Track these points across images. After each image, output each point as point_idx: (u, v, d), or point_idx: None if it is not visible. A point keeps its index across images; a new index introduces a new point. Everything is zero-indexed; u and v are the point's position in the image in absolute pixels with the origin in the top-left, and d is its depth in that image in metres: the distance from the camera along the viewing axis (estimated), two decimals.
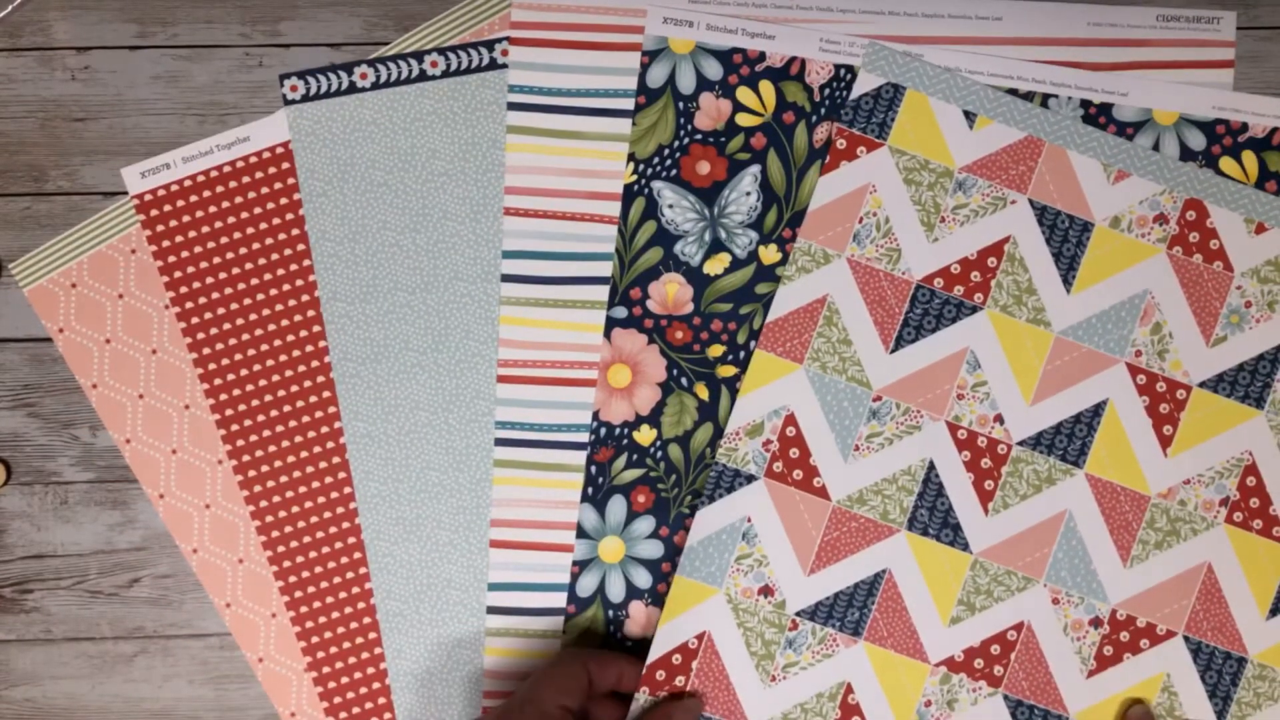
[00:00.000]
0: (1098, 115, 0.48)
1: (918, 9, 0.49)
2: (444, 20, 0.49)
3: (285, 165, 0.49)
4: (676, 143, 0.49)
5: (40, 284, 0.50)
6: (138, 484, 0.50)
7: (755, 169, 0.49)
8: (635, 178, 0.49)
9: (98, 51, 0.50)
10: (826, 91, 0.48)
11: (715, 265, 0.49)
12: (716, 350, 0.49)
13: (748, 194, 0.49)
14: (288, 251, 0.49)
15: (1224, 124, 0.48)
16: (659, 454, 0.49)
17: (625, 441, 0.49)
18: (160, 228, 0.49)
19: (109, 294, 0.50)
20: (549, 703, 0.42)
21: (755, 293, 0.49)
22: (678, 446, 0.49)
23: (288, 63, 0.50)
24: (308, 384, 0.49)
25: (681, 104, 0.49)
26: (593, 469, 0.49)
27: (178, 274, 0.49)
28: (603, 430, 0.49)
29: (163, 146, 0.50)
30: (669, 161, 0.49)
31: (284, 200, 0.49)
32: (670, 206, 0.49)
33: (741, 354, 0.48)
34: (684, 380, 0.49)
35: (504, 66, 0.49)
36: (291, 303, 0.49)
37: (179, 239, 0.49)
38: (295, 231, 0.49)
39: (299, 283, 0.49)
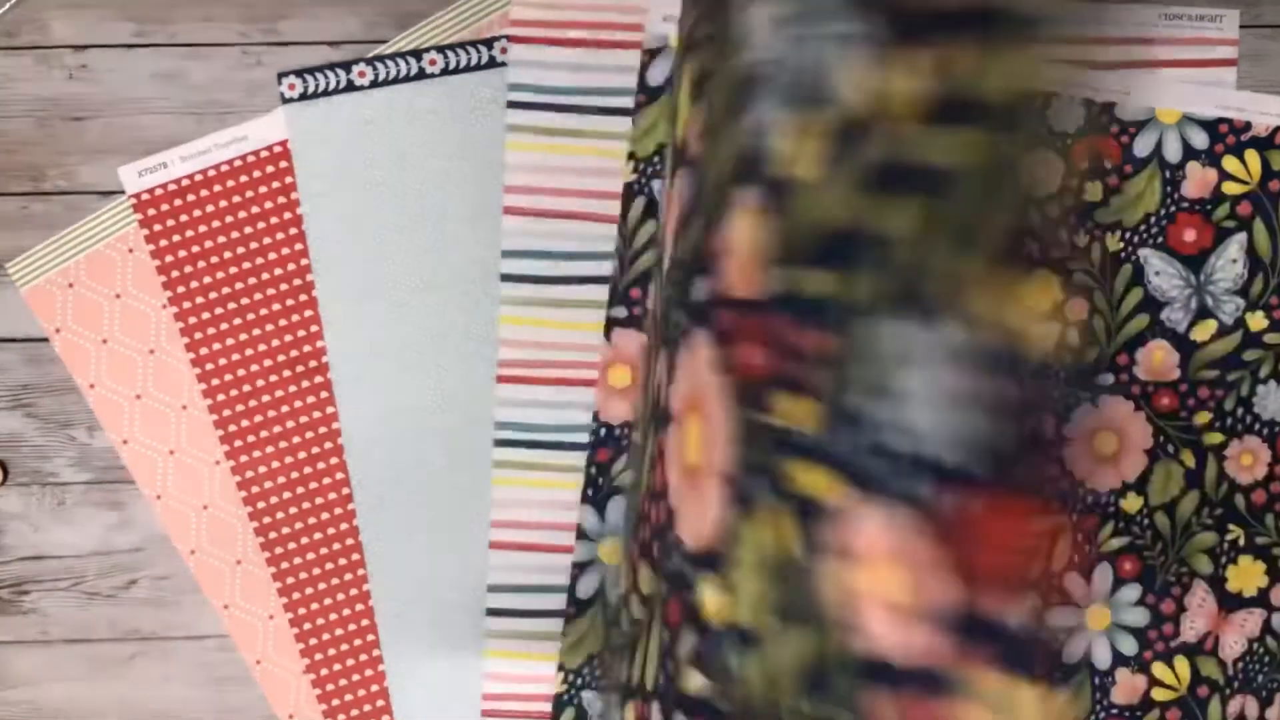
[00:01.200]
0: (1100, 114, 0.48)
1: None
2: (443, 18, 0.49)
3: (284, 164, 0.49)
4: None
5: (37, 284, 0.50)
6: (135, 485, 0.50)
7: None
8: (636, 176, 0.48)
9: (95, 50, 0.50)
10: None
11: None
12: None
13: None
14: (286, 251, 0.49)
15: (1227, 123, 0.48)
16: None
17: (625, 442, 0.48)
18: (158, 227, 0.49)
19: (106, 294, 0.49)
20: None
21: None
22: None
23: (286, 61, 0.50)
24: (306, 384, 0.49)
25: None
26: (593, 470, 0.48)
27: (175, 273, 0.49)
28: (603, 431, 0.48)
29: (161, 145, 0.50)
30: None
31: (282, 199, 0.49)
32: None
33: None
34: None
35: (503, 65, 0.49)
36: (290, 302, 0.49)
37: (176, 238, 0.49)
38: (293, 230, 0.49)
39: (297, 282, 0.49)
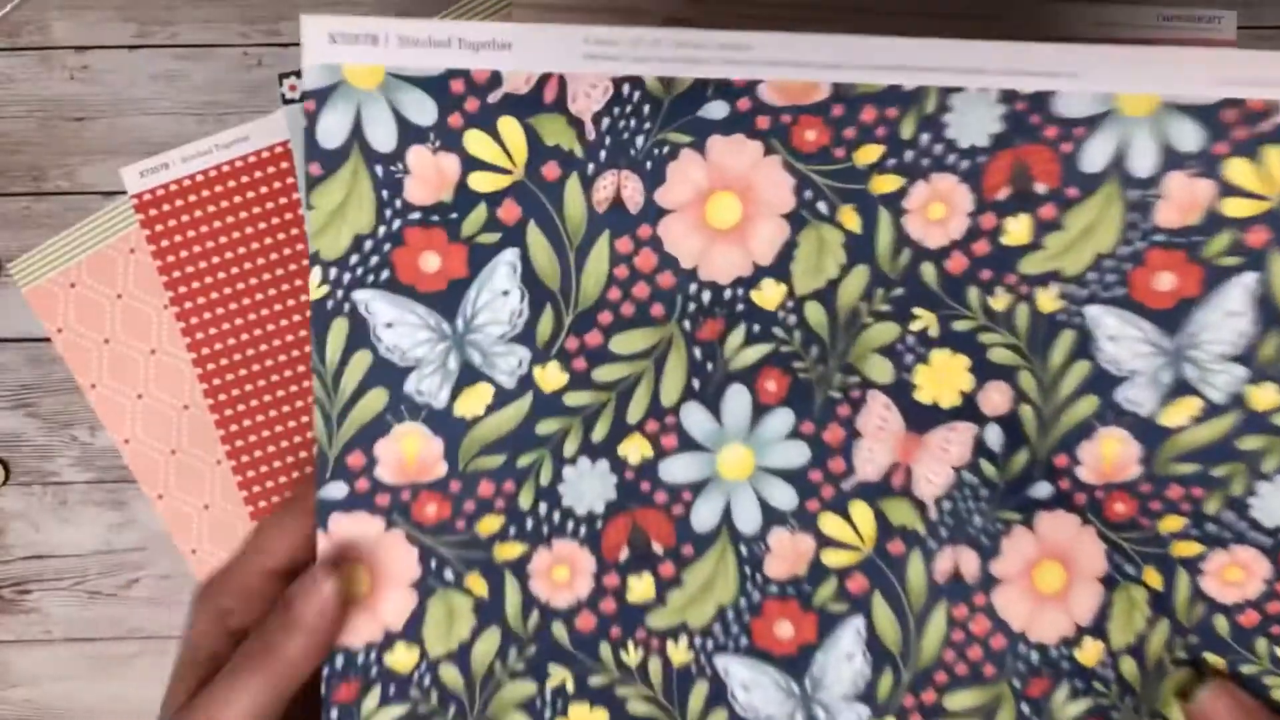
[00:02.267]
0: (1029, 113, 0.31)
1: (919, 8, 0.48)
2: (443, 19, 0.49)
3: (284, 165, 0.49)
4: (384, 228, 0.31)
5: (39, 284, 0.50)
6: (137, 484, 0.50)
7: (511, 255, 0.31)
8: (329, 290, 0.31)
9: (97, 51, 0.50)
10: (605, 124, 0.31)
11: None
12: (491, 524, 0.32)
13: (505, 293, 0.32)
14: (287, 251, 0.49)
15: (1235, 106, 0.31)
16: (427, 678, 0.33)
17: (373, 671, 0.33)
18: (159, 227, 0.49)
19: (108, 294, 0.50)
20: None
21: (536, 433, 0.32)
22: (452, 666, 0.33)
23: (287, 62, 0.50)
24: (306, 384, 0.49)
25: (381, 166, 0.30)
26: (334, 713, 0.33)
27: (176, 274, 0.49)
28: (340, 659, 0.32)
29: (162, 146, 0.50)
30: (376, 259, 0.31)
31: (283, 200, 0.49)
32: (389, 326, 0.31)
33: (526, 524, 0.32)
34: (448, 574, 0.32)
35: None
36: (290, 303, 0.49)
37: (177, 239, 0.49)
38: (294, 231, 0.49)
39: (298, 283, 0.49)
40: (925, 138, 0.32)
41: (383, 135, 0.30)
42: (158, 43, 0.50)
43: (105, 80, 0.50)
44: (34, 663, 0.51)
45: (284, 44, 0.50)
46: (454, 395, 0.32)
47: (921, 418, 0.33)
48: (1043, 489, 0.34)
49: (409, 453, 0.32)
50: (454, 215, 0.31)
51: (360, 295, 0.31)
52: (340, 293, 0.31)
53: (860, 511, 0.34)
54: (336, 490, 0.32)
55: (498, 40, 0.30)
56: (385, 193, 0.31)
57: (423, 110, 0.30)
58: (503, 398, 0.32)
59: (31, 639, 0.51)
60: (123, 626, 0.51)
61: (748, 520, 0.33)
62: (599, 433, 0.33)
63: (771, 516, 0.34)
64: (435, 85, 0.30)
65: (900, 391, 0.33)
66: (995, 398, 0.34)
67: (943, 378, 0.34)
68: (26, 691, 0.51)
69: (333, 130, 0.30)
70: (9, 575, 0.51)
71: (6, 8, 0.50)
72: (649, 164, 0.31)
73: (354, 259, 0.31)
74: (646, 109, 0.31)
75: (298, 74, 0.49)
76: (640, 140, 0.31)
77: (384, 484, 0.32)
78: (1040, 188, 0.32)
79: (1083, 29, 0.49)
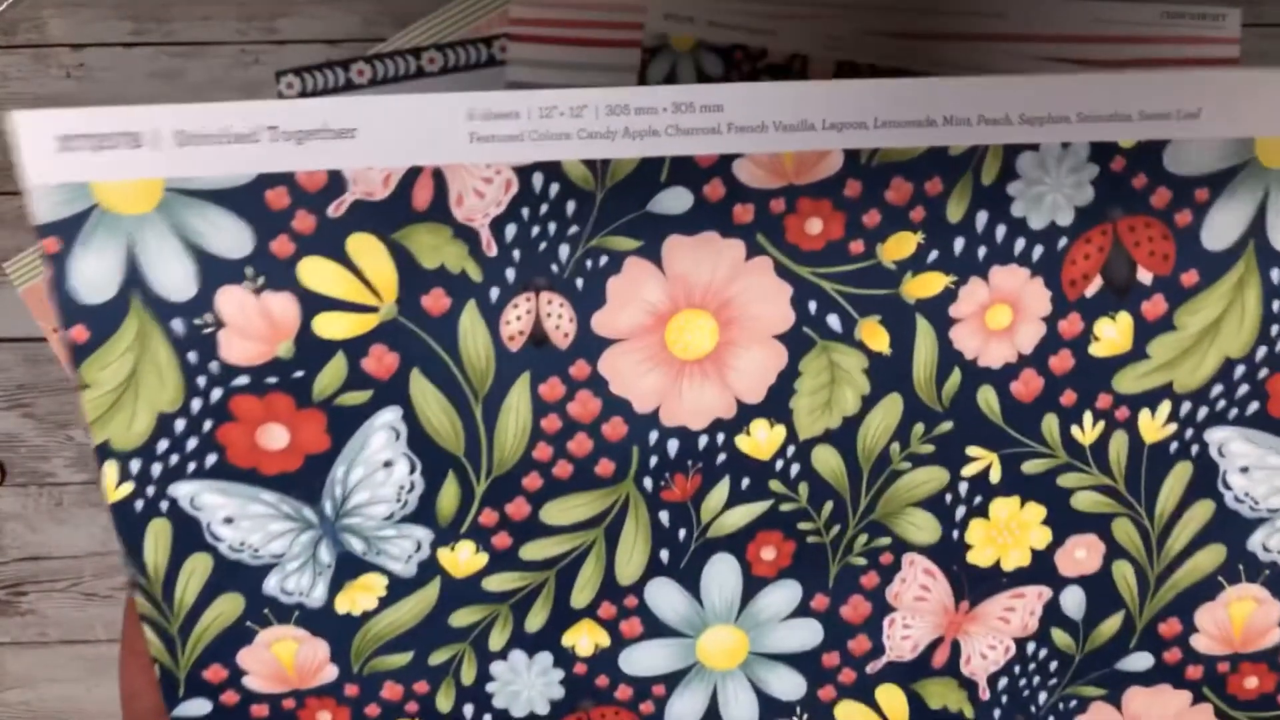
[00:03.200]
0: (1130, 173, 0.23)
1: (917, 2, 0.48)
2: (442, 16, 0.49)
3: None
4: (199, 401, 0.24)
5: (35, 283, 0.50)
6: None
7: (390, 415, 0.24)
8: (133, 488, 0.24)
9: (93, 49, 0.50)
10: (511, 233, 0.23)
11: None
12: None
13: (386, 464, 0.25)
14: None
15: None
16: None
17: None
18: None
19: None
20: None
21: (450, 626, 0.26)
22: None
23: (284, 60, 0.49)
24: None
25: (181, 321, 0.23)
26: None
27: None
28: None
29: None
30: (195, 442, 0.24)
31: None
32: (229, 521, 0.25)
33: None
34: None
35: (503, 64, 0.49)
36: None
37: None
38: None
39: None
40: (982, 218, 0.23)
41: (174, 278, 0.22)
42: (154, 40, 0.50)
43: (101, 78, 0.50)
44: (30, 665, 0.50)
45: (281, 41, 0.50)
46: (333, 591, 0.26)
47: (977, 584, 0.27)
48: (1139, 660, 0.28)
49: (285, 659, 0.26)
50: (299, 374, 0.23)
51: (181, 489, 0.24)
52: (152, 490, 0.24)
53: (890, 696, 0.28)
54: (197, 708, 0.26)
55: (332, 124, 0.20)
56: (192, 355, 0.23)
57: (230, 236, 0.22)
58: (400, 589, 0.26)
59: (28, 641, 0.50)
60: (118, 628, 0.50)
61: (740, 715, 0.28)
62: (535, 621, 0.26)
63: (772, 709, 0.28)
64: (244, 199, 0.22)
65: (948, 553, 0.26)
66: (1080, 555, 0.27)
67: (1008, 534, 0.26)
68: (22, 694, 0.50)
69: (95, 278, 0.22)
70: (5, 577, 0.50)
71: (2, 6, 0.50)
72: (580, 281, 0.23)
73: (162, 445, 0.24)
74: (570, 207, 0.22)
75: (295, 72, 0.49)
76: (564, 250, 0.23)
77: (259, 694, 0.26)
78: (1145, 276, 0.24)
79: (1082, 26, 0.48)
